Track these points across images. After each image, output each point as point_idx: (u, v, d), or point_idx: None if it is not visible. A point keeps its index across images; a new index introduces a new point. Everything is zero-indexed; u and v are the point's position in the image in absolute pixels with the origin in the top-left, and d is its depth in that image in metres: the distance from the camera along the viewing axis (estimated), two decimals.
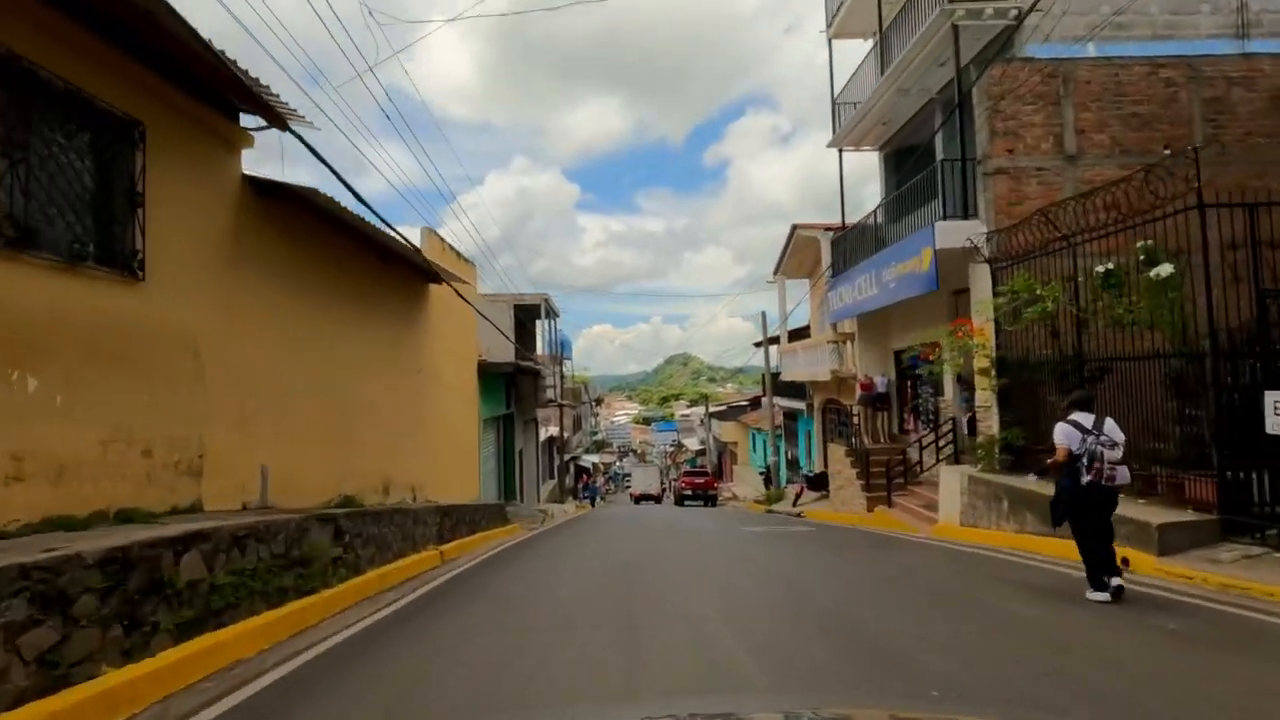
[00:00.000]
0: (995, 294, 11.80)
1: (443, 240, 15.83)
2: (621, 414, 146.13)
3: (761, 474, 35.77)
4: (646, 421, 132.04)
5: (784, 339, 25.92)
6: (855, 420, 18.53)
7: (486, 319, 17.80)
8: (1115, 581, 6.54)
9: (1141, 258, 8.59)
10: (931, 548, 10.80)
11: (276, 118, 7.41)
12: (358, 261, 10.93)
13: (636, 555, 11.10)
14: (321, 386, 9.54)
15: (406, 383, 13.01)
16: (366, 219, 9.57)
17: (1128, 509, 8.10)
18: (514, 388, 23.85)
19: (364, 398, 10.90)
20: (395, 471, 12.13)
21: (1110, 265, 8.97)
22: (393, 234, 9.80)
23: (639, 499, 41.67)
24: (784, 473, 34.91)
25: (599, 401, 68.22)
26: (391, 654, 5.68)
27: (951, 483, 12.30)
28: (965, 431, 14.83)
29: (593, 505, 36.17)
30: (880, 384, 18.59)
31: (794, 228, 22.74)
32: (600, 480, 78.31)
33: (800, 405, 28.14)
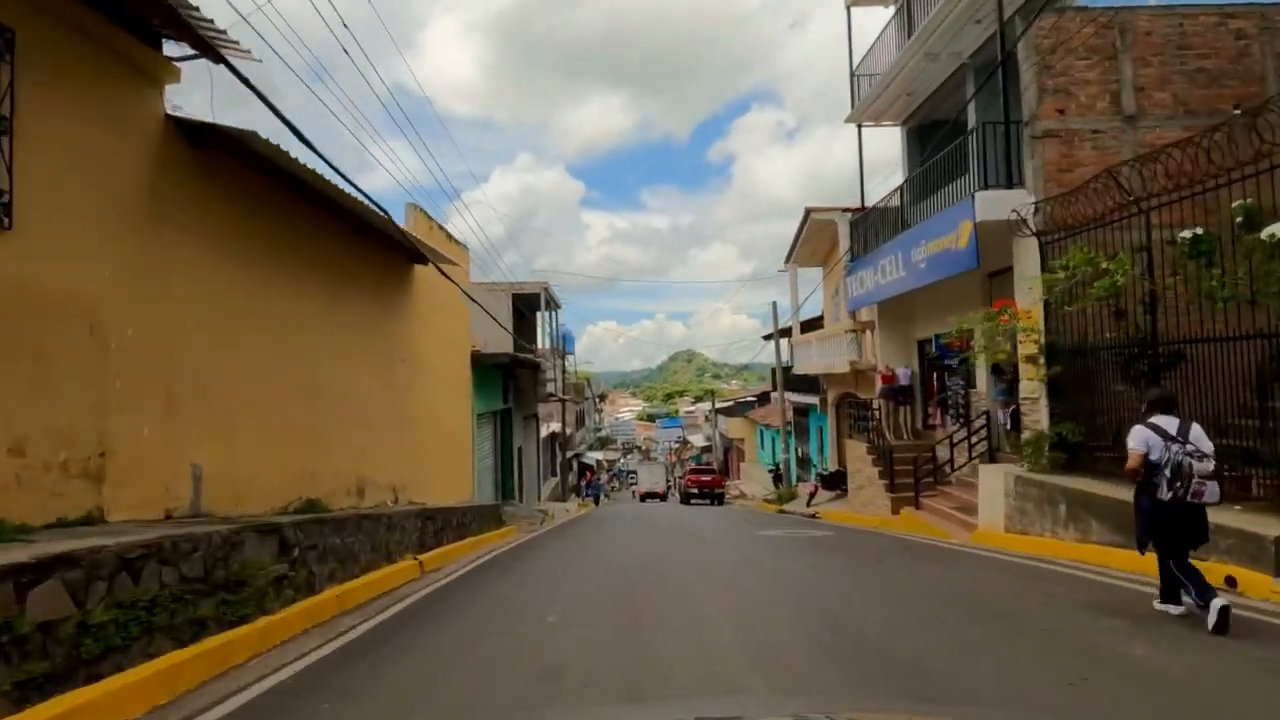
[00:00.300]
0: (1045, 271, 10.45)
1: (430, 219, 14.51)
2: (626, 410, 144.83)
3: (771, 471, 34.44)
4: (651, 418, 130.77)
5: (796, 330, 24.55)
6: (876, 415, 17.18)
7: (479, 305, 16.50)
8: (1218, 602, 5.23)
9: (1239, 219, 7.22)
10: (978, 558, 9.45)
11: (205, 46, 6.09)
12: (326, 233, 9.62)
13: (640, 564, 9.78)
14: (278, 373, 8.24)
15: (387, 373, 11.71)
16: (335, 185, 8.27)
17: (1224, 516, 6.76)
18: (512, 381, 22.55)
19: (334, 388, 9.61)
20: (372, 471, 10.83)
21: (1199, 230, 7.60)
22: (359, 197, 8.48)
23: (644, 497, 41.67)
24: (794, 471, 33.58)
25: (602, 398, 66.93)
26: (322, 710, 4.38)
27: (994, 483, 10.95)
28: (1004, 426, 13.48)
29: (596, 504, 34.91)
30: (903, 376, 17.24)
31: (808, 211, 21.37)
32: (604, 477, 77.06)
33: (813, 400, 26.78)
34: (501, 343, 20.31)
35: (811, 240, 22.76)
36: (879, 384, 17.38)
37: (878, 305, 17.51)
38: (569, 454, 43.78)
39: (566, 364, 49.84)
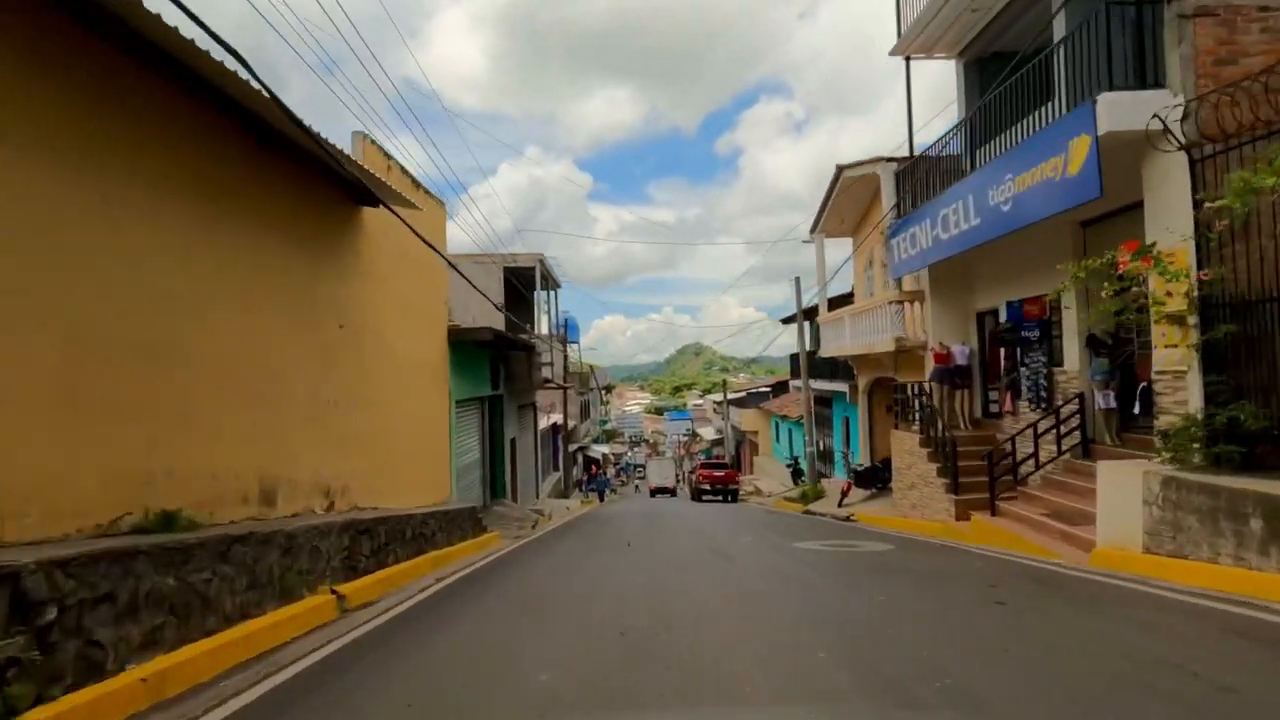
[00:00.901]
0: (1200, 195, 7.58)
1: (389, 157, 11.68)
2: (633, 404, 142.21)
3: (789, 466, 31.59)
4: (659, 411, 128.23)
5: (823, 308, 21.65)
6: (926, 401, 14.32)
7: (458, 271, 13.69)
8: None
9: None
10: (1133, 596, 6.55)
11: None
12: (212, 139, 6.83)
13: (652, 609, 6.97)
14: (99, 326, 5.45)
15: (314, 337, 8.91)
16: (227, 69, 5.50)
17: None
18: (503, 365, 19.77)
19: (216, 353, 6.81)
20: (289, 468, 8.05)
21: None
22: (266, 93, 5.67)
23: (655, 491, 40.96)
24: (815, 466, 30.72)
25: (609, 389, 64.16)
26: None
27: (1122, 486, 8.07)
28: (1104, 409, 10.61)
29: (601, 500, 32.14)
30: (959, 355, 14.37)
31: (839, 170, 18.46)
32: (611, 471, 74.40)
33: (840, 387, 23.91)
34: (491, 321, 17.56)
35: (842, 205, 19.86)
36: (931, 365, 14.51)
37: (929, 273, 14.64)
38: (573, 447, 41.07)
39: (571, 352, 47.10)
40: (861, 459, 20.98)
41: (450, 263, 13.60)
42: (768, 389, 43.31)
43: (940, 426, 13.31)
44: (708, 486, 31.90)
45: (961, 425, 14.00)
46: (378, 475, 10.83)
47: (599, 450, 56.35)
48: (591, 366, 44.95)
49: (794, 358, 30.54)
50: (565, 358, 31.67)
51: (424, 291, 13.53)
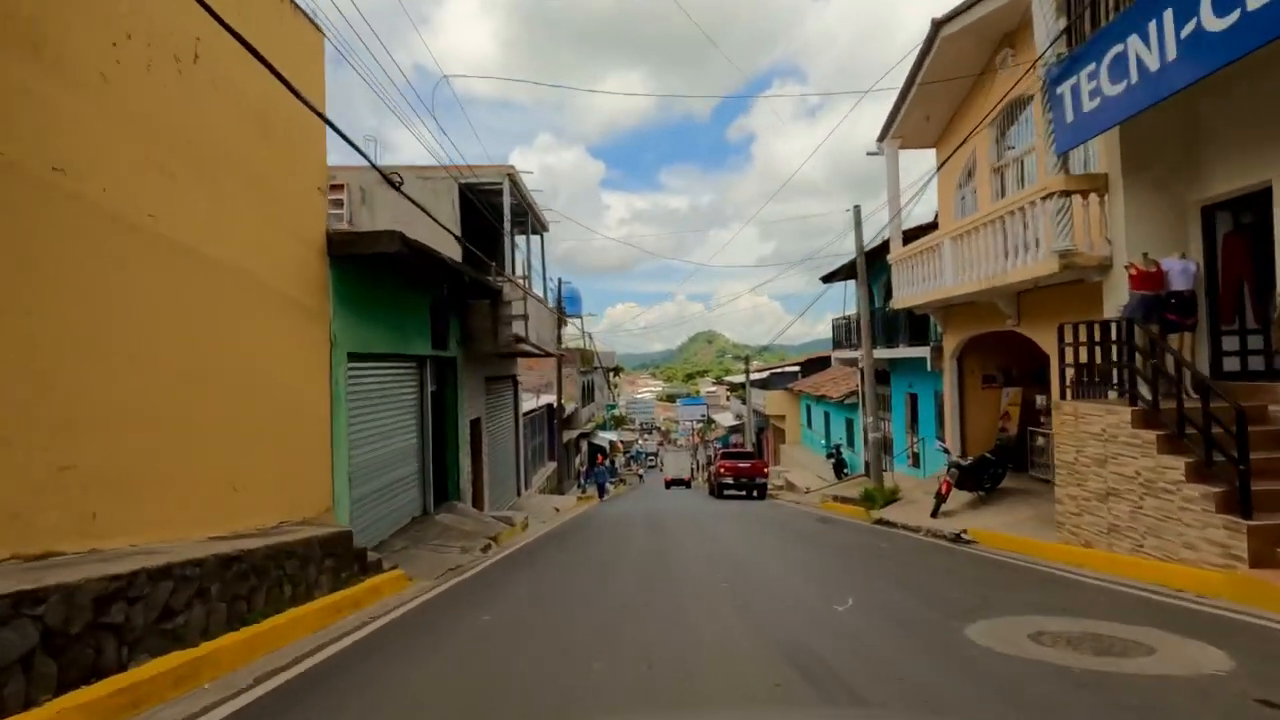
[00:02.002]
0: None
1: None
2: (645, 391, 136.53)
3: (829, 457, 25.62)
4: (670, 398, 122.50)
5: (896, 243, 15.64)
6: (1147, 348, 8.37)
7: (328, 124, 7.83)
8: None
9: None
10: None
11: None
12: None
13: None
14: None
15: None
16: None
17: None
18: (458, 317, 14.00)
19: None
20: None
21: None
22: None
23: (670, 483, 38.91)
24: (857, 457, 24.77)
25: (616, 371, 58.37)
26: None
27: None
28: None
29: (600, 497, 26.30)
30: (1178, 273, 8.44)
31: (936, 26, 12.46)
32: (620, 460, 68.62)
33: (912, 353, 17.98)
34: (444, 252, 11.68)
35: (927, 99, 13.86)
36: (1130, 290, 8.56)
37: (1120, 145, 8.70)
38: (573, 433, 35.29)
39: (576, 328, 41.23)
40: (947, 445, 15.08)
41: (322, 116, 7.75)
42: (795, 368, 37.40)
43: (1180, 390, 7.36)
44: (730, 480, 26.06)
45: (1185, 387, 8.02)
46: (146, 481, 5.11)
47: (606, 438, 50.62)
48: (595, 351, 39.10)
49: (837, 325, 24.57)
50: (560, 320, 25.84)
51: (272, 159, 7.72)
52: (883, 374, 21.76)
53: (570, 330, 39.08)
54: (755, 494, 26.39)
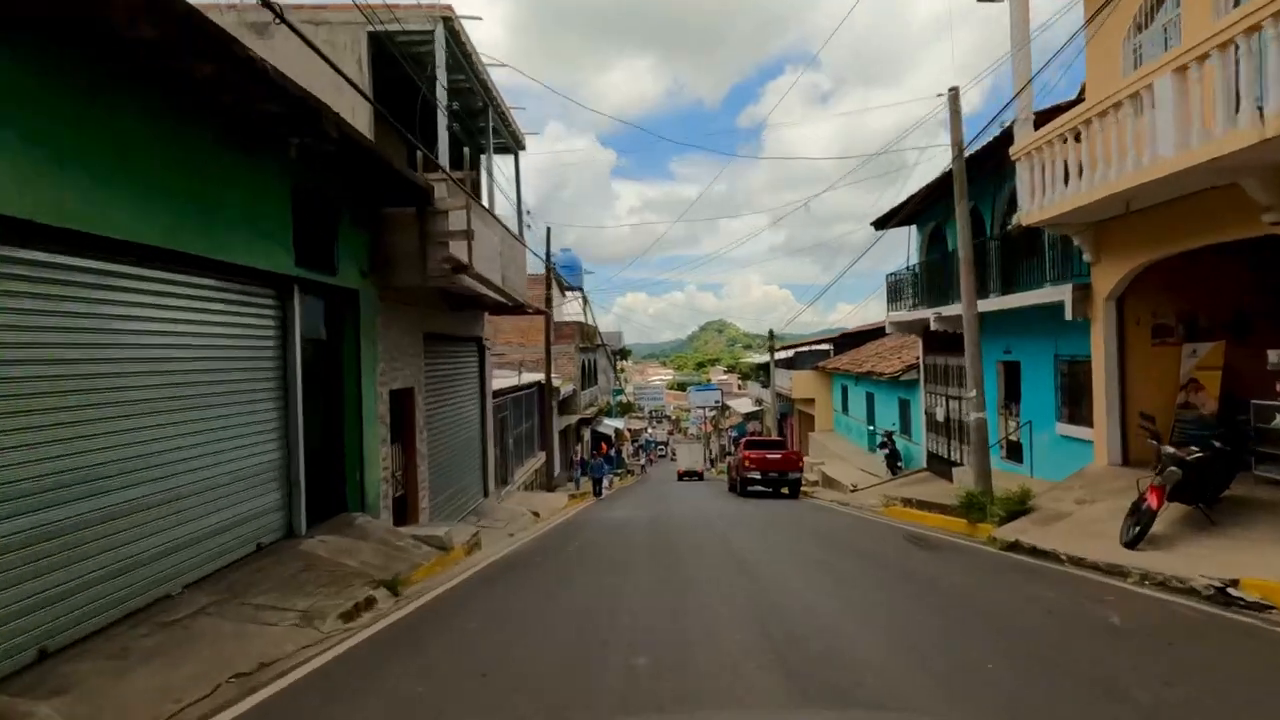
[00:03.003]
0: None
1: None
2: (656, 379, 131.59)
3: (881, 447, 20.48)
4: (681, 387, 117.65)
5: (1024, 127, 10.40)
6: None
7: None
8: None
9: None
10: None
11: None
12: None
13: None
14: None
15: None
16: None
17: None
18: (359, 225, 8.94)
19: None
20: None
21: None
22: None
23: (683, 475, 37.08)
24: (918, 448, 19.70)
25: (624, 354, 53.33)
26: None
27: None
28: None
29: (597, 495, 21.17)
30: None
31: None
32: (628, 449, 63.64)
33: (1017, 303, 12.75)
34: (357, 122, 6.75)
35: None
36: None
37: None
38: (574, 419, 30.28)
39: (575, 304, 36.16)
40: (1102, 427, 9.90)
41: None
42: (826, 345, 32.21)
43: None
44: (757, 475, 20.96)
45: None
46: None
47: (612, 425, 45.66)
48: (597, 330, 34.11)
49: (894, 281, 19.36)
50: (556, 284, 20.87)
51: None
52: (949, 339, 16.59)
53: (573, 309, 34.08)
54: (788, 492, 21.34)
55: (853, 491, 19.38)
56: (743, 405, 48.28)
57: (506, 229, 13.49)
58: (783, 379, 32.90)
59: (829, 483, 22.40)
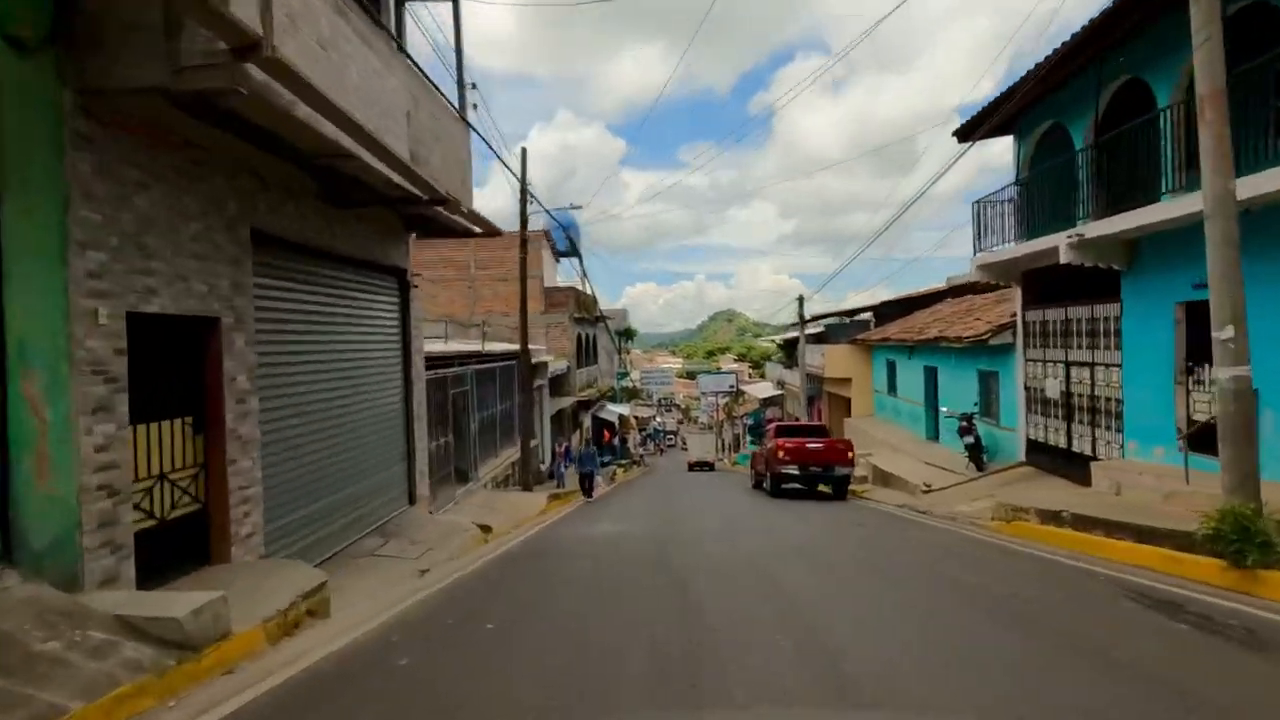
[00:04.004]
0: None
1: None
2: (665, 367, 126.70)
3: (963, 433, 15.39)
4: (691, 376, 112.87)
5: None
6: None
7: None
8: None
9: None
10: None
11: None
12: None
13: None
14: None
15: None
16: None
17: None
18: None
19: None
20: None
21: None
22: None
23: (693, 466, 35.41)
24: (996, 435, 14.70)
25: (629, 335, 48.28)
26: None
27: None
28: None
29: (587, 492, 16.02)
30: None
31: None
32: (635, 438, 58.73)
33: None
34: None
35: None
36: None
37: None
38: (568, 402, 25.32)
39: (575, 274, 31.06)
40: None
41: None
42: (867, 314, 27.05)
43: None
44: (794, 469, 15.91)
45: None
46: None
47: (615, 411, 40.67)
48: (595, 301, 29.12)
49: (983, 210, 14.17)
50: (525, 198, 15.90)
51: None
52: (1070, 283, 11.46)
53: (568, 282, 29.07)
54: (834, 491, 16.38)
55: (926, 492, 14.32)
56: (760, 390, 43.18)
57: (430, 84, 8.46)
58: (813, 356, 27.74)
59: (884, 479, 17.33)
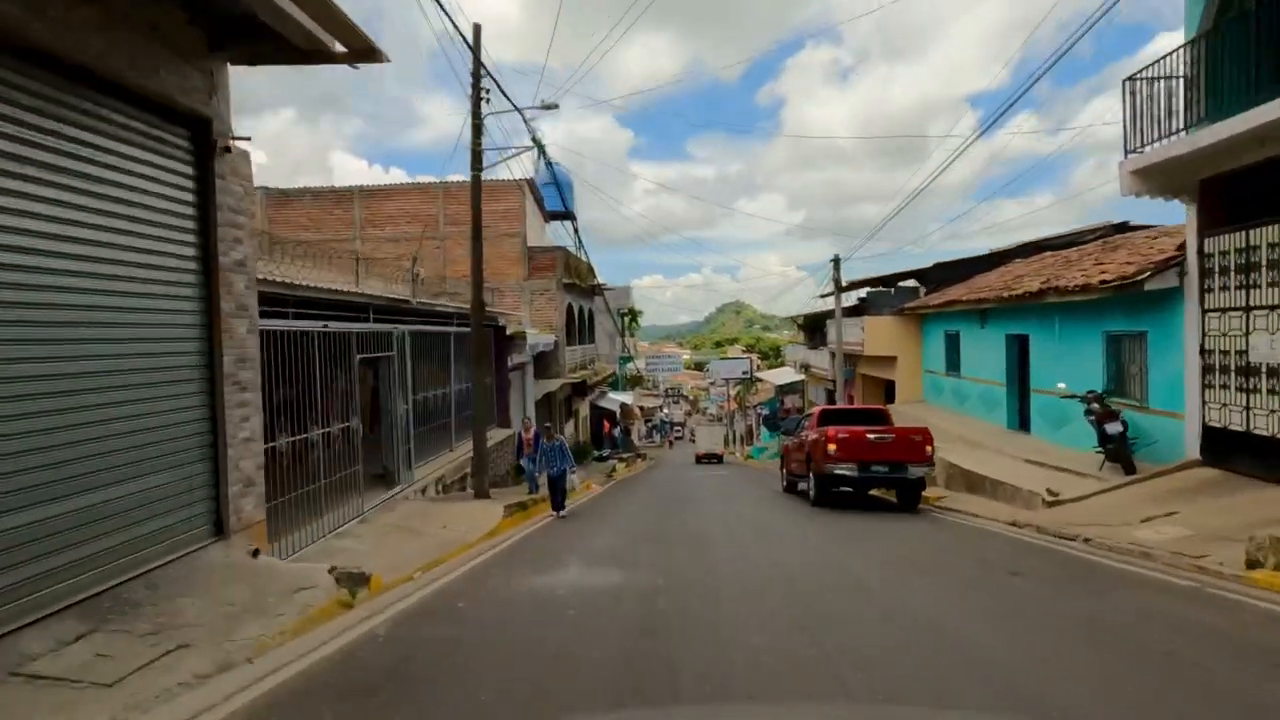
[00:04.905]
0: None
1: None
2: (673, 353, 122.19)
3: (1101, 419, 10.65)
4: (699, 366, 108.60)
5: None
6: None
7: None
8: None
9: None
10: None
11: None
12: None
13: None
14: None
15: None
16: None
17: None
18: None
19: None
20: None
21: None
22: None
23: (701, 458, 35.13)
24: (1137, 421, 10.02)
25: (633, 316, 43.69)
26: None
27: None
28: None
29: (557, 503, 11.38)
30: None
31: None
32: (640, 429, 54.35)
33: None
34: None
35: None
36: None
37: None
38: (556, 384, 20.89)
39: (570, 241, 26.65)
40: None
41: None
42: (911, 279, 22.34)
43: None
44: (849, 469, 11.31)
45: None
46: None
47: (617, 399, 36.19)
48: (593, 269, 24.36)
49: (1144, 87, 9.49)
50: (478, 82, 11.00)
51: None
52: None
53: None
54: (901, 499, 11.88)
55: (1051, 505, 9.75)
56: (779, 376, 38.60)
57: None
58: (861, 328, 23.08)
59: (968, 483, 12.75)
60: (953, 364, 18.38)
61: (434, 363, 12.76)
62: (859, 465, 11.33)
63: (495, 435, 15.29)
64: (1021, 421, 14.93)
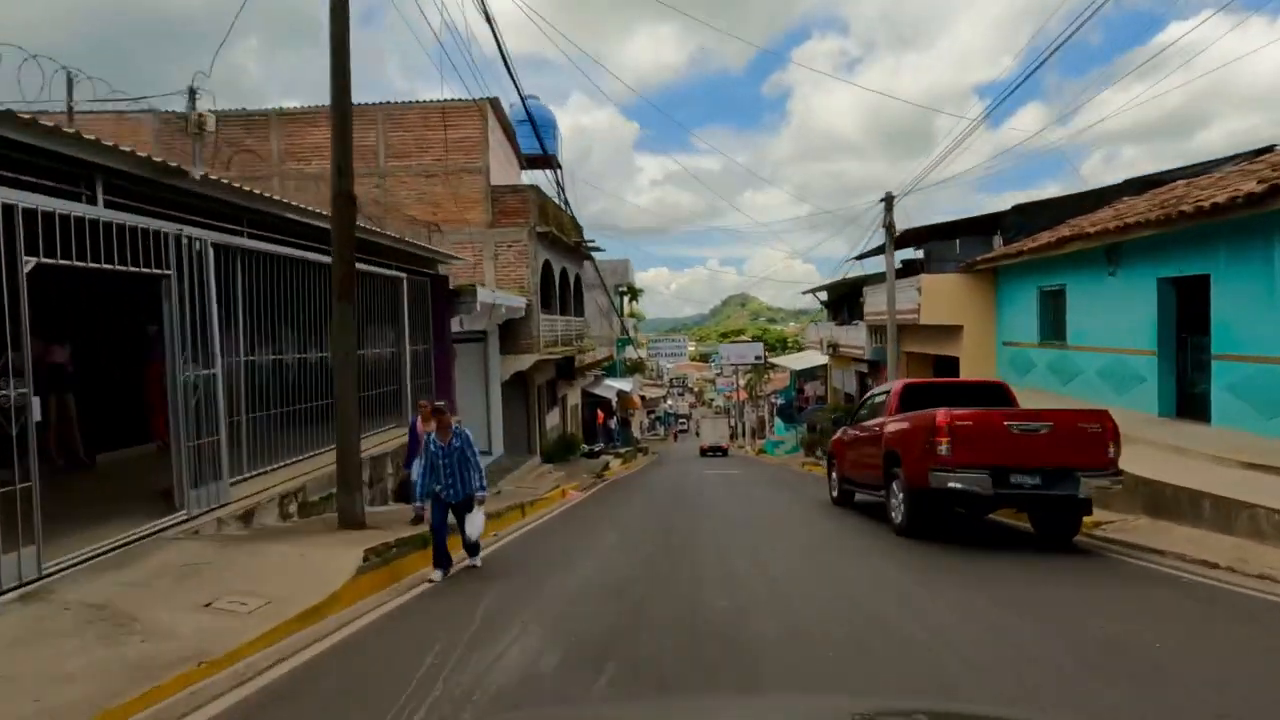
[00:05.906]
0: None
1: None
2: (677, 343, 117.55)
3: None
4: (705, 358, 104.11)
5: None
6: None
7: None
8: None
9: None
10: None
11: None
12: None
13: None
14: None
15: None
16: None
17: None
18: None
19: None
20: None
21: None
22: None
23: (705, 451, 33.19)
24: None
25: (633, 294, 38.87)
26: None
27: None
28: None
29: (440, 562, 6.60)
30: None
31: None
32: (643, 420, 49.68)
33: None
34: None
35: None
36: None
37: None
38: (531, 360, 16.20)
39: (557, 187, 21.82)
40: None
41: None
42: (978, 234, 17.36)
43: None
44: (978, 484, 6.57)
45: None
46: None
47: (614, 387, 31.47)
48: (581, 231, 19.83)
49: None
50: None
51: None
52: None
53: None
54: (1059, 523, 7.11)
55: None
56: (799, 361, 33.76)
57: None
58: (917, 291, 18.20)
59: (1147, 498, 7.93)
60: (1051, 330, 13.58)
61: (303, 304, 8.03)
62: (992, 473, 6.57)
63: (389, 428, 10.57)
64: (1182, 405, 10.16)
